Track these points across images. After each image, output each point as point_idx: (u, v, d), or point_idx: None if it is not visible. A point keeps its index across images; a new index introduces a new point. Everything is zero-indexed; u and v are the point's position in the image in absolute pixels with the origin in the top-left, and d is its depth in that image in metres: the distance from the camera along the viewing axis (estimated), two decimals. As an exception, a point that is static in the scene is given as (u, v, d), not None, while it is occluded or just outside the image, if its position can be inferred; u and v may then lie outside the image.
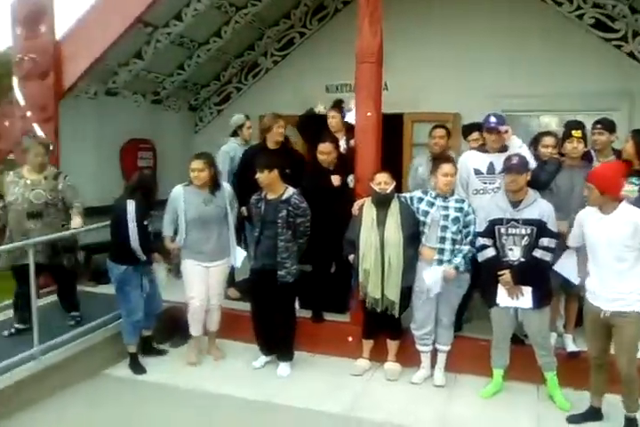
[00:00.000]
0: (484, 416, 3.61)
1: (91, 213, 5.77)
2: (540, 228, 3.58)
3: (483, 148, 4.19)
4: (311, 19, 7.13)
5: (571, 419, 3.50)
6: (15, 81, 5.46)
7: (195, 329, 4.39)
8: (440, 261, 3.83)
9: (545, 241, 3.58)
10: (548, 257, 3.58)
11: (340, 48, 6.02)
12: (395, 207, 3.95)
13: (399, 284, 3.90)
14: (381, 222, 3.93)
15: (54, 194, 4.28)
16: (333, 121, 4.88)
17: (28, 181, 4.24)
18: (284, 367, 4.21)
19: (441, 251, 3.84)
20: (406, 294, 3.97)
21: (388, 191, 3.93)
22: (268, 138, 4.76)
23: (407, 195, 4.09)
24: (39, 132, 5.34)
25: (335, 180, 4.37)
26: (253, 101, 7.33)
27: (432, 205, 3.89)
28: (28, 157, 4.30)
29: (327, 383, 4.06)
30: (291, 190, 4.08)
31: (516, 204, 3.65)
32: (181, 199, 4.23)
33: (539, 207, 3.63)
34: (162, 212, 4.38)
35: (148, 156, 6.78)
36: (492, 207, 3.73)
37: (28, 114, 5.37)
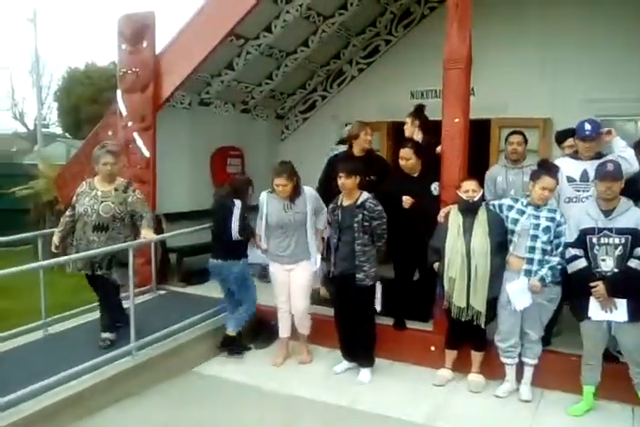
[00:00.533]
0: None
1: (181, 218, 6.13)
2: (635, 237, 3.40)
3: (576, 155, 4.02)
4: (397, 25, 7.15)
5: None
6: (119, 93, 5.87)
7: (282, 331, 4.54)
8: (528, 272, 3.71)
9: None
10: (644, 268, 3.37)
11: (425, 54, 6.01)
12: (482, 215, 3.88)
13: (486, 293, 3.81)
14: (468, 230, 3.86)
15: (122, 208, 4.16)
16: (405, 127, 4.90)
17: (99, 193, 4.15)
18: (365, 373, 4.23)
19: (530, 261, 3.72)
20: (492, 304, 3.87)
21: (476, 199, 3.87)
22: (355, 145, 4.80)
23: (496, 202, 3.99)
24: (139, 141, 5.70)
25: (406, 202, 4.29)
26: (338, 109, 7.45)
27: (522, 213, 3.78)
28: (97, 166, 4.20)
29: (408, 392, 4.03)
30: (365, 195, 4.12)
31: (607, 212, 3.48)
32: (265, 205, 4.41)
33: (634, 215, 3.45)
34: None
35: (236, 162, 7.04)
36: (583, 216, 3.58)
37: (129, 124, 5.76)
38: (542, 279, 3.65)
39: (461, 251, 3.83)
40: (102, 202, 4.13)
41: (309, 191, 4.42)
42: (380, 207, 4.08)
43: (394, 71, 7.12)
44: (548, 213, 3.74)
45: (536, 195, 3.71)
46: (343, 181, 4.07)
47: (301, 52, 6.76)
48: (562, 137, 4.50)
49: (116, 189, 4.20)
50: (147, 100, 5.69)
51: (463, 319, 3.90)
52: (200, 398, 3.96)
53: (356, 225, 4.04)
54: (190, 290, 5.73)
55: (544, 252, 3.70)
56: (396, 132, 7.11)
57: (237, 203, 4.44)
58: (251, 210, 4.59)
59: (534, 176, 3.78)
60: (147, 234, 4.20)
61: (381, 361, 4.43)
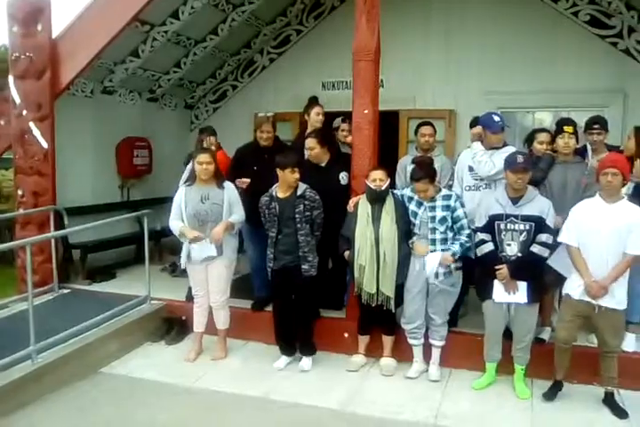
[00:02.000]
0: (479, 409, 3.64)
1: (85, 212, 5.83)
2: (538, 224, 3.61)
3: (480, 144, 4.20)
4: (308, 16, 7.15)
5: (545, 396, 3.72)
6: (11, 79, 5.45)
7: (196, 326, 4.45)
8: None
9: (543, 237, 3.60)
10: (545, 253, 3.61)
11: (337, 45, 6.07)
12: (389, 204, 3.97)
13: (394, 279, 3.92)
14: (376, 219, 3.95)
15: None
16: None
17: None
18: (307, 361, 4.24)
19: (433, 253, 3.86)
20: (401, 289, 3.99)
21: (383, 188, 3.95)
22: (258, 136, 4.76)
23: (399, 192, 4.11)
24: (35, 132, 5.33)
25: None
26: (250, 99, 7.38)
27: (420, 205, 3.91)
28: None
29: (323, 379, 4.08)
30: (303, 186, 4.11)
31: (515, 200, 3.68)
32: (183, 196, 4.26)
33: (538, 204, 3.66)
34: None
35: (144, 154, 6.78)
36: (492, 203, 3.76)
37: (24, 113, 5.37)
38: (454, 254, 3.80)
39: (370, 239, 3.91)
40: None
41: (228, 184, 4.34)
42: (318, 197, 4.09)
43: (305, 62, 7.13)
44: (442, 200, 3.87)
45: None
46: (290, 174, 4.00)
47: (211, 41, 6.60)
48: (473, 123, 4.70)
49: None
50: (43, 87, 5.32)
51: (374, 305, 4.00)
52: (110, 399, 3.80)
53: (298, 216, 4.02)
54: (96, 288, 5.48)
55: (444, 241, 3.85)
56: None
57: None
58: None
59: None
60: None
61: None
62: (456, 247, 3.81)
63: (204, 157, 4.17)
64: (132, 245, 6.39)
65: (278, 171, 4.03)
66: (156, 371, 4.21)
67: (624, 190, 3.71)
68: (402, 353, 4.18)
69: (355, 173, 4.35)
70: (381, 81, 4.75)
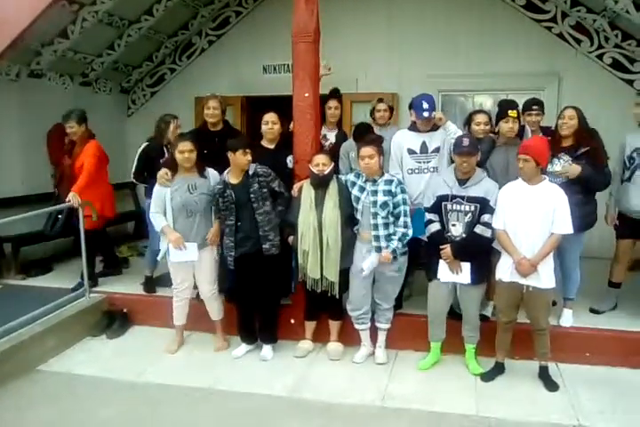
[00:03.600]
0: (425, 389, 3.70)
1: (15, 203, 5.53)
2: (483, 205, 3.67)
3: (414, 126, 4.21)
4: (247, -3, 6.97)
5: (484, 377, 3.82)
6: None
7: (178, 319, 4.33)
8: (378, 248, 3.83)
9: (486, 217, 3.66)
10: (488, 233, 3.67)
11: (278, 27, 5.91)
12: (333, 189, 3.94)
13: (338, 264, 3.90)
14: (320, 204, 3.91)
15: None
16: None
17: None
18: (268, 350, 4.19)
19: (377, 238, 3.83)
20: (345, 274, 3.98)
21: (326, 173, 3.90)
22: (205, 113, 4.61)
23: (343, 177, 4.07)
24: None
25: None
26: (189, 83, 7.16)
27: (363, 189, 3.89)
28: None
29: (270, 367, 4.05)
30: (252, 165, 4.01)
31: (462, 181, 3.71)
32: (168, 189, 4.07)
33: (485, 186, 3.71)
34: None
35: (78, 141, 6.45)
36: (440, 184, 3.79)
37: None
38: (394, 251, 3.80)
39: (313, 224, 3.87)
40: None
41: (212, 172, 4.19)
42: (269, 169, 4.01)
43: (246, 44, 6.97)
44: (384, 185, 3.84)
45: (361, 167, 3.85)
46: (242, 157, 3.89)
47: (146, 22, 6.31)
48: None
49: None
50: (-38, 70, 4.98)
51: (319, 290, 3.98)
52: (50, 397, 3.64)
53: (253, 196, 3.92)
54: (31, 282, 5.25)
55: (386, 226, 3.83)
56: (249, 107, 7.01)
57: None
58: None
59: (357, 152, 3.91)
60: None
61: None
62: (395, 244, 3.80)
63: (184, 145, 4.00)
64: (69, 237, 6.11)
65: (229, 154, 3.92)
66: (97, 366, 4.07)
67: (557, 168, 3.84)
68: (349, 338, 4.20)
69: (297, 157, 4.29)
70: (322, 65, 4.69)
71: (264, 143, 4.39)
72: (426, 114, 3.99)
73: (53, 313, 4.42)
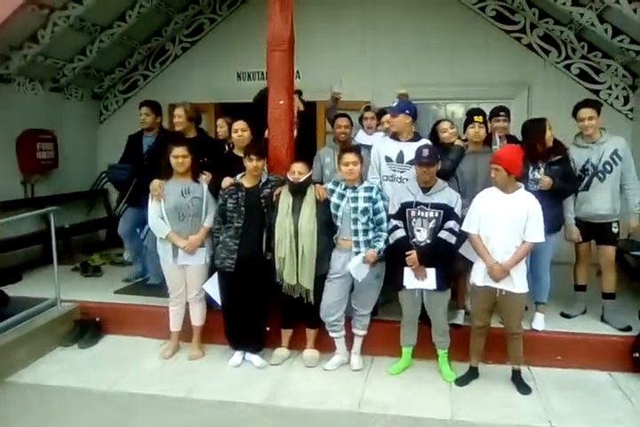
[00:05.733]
0: (401, 395, 3.73)
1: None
2: (447, 212, 3.74)
3: (396, 136, 4.27)
4: (221, 4, 6.98)
5: (458, 381, 3.87)
6: None
7: (173, 325, 4.34)
8: (357, 254, 3.86)
9: (451, 224, 3.73)
10: (452, 239, 3.73)
11: (252, 35, 5.94)
12: (310, 196, 3.95)
13: (313, 272, 3.92)
14: (297, 211, 3.92)
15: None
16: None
17: None
18: (258, 358, 4.17)
19: (357, 244, 3.88)
20: (322, 281, 3.99)
21: (301, 180, 3.92)
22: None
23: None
24: None
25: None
26: (162, 89, 7.09)
27: (343, 197, 3.93)
28: None
29: (246, 374, 4.03)
30: (266, 174, 4.12)
31: (426, 189, 3.78)
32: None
33: (448, 195, 3.79)
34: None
35: (48, 147, 6.34)
36: (404, 192, 3.85)
37: None
38: (379, 251, 3.83)
39: (289, 230, 3.89)
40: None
41: (203, 177, 4.22)
42: (282, 178, 4.07)
43: (219, 51, 6.97)
44: (364, 192, 3.90)
45: (343, 172, 3.89)
46: (255, 164, 3.94)
47: (118, 27, 6.26)
48: (382, 113, 4.78)
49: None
50: None
51: (295, 296, 3.98)
52: (21, 411, 3.54)
53: (263, 201, 3.99)
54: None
55: (366, 232, 3.88)
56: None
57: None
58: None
59: (338, 160, 3.96)
60: None
61: (218, 347, 4.38)
62: (380, 244, 3.84)
63: (178, 151, 4.05)
64: (38, 245, 6.00)
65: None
66: (69, 377, 3.99)
67: (538, 175, 3.98)
68: (325, 345, 4.19)
69: (271, 164, 4.30)
70: (297, 72, 4.73)
71: (236, 151, 4.38)
72: (398, 107, 4.13)
73: (24, 322, 4.32)
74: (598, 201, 4.13)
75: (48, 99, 6.50)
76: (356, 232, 3.87)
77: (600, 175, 4.11)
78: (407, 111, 4.11)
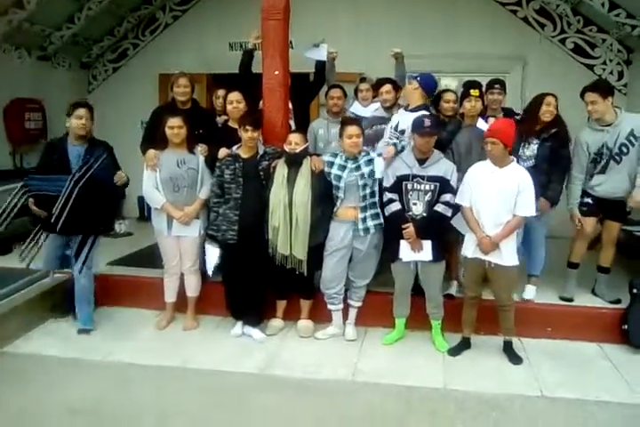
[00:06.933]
0: (394, 364, 3.79)
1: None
2: (442, 184, 3.74)
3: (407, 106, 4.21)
4: (212, -29, 6.80)
5: (450, 352, 3.92)
6: None
7: (168, 296, 4.36)
8: (363, 220, 3.90)
9: (447, 197, 3.74)
10: (448, 212, 3.75)
11: (245, 4, 5.81)
12: (305, 168, 3.94)
13: (306, 243, 3.92)
14: (291, 182, 3.91)
15: None
16: None
17: None
18: (259, 332, 4.16)
19: (364, 209, 3.90)
20: (315, 253, 4.00)
21: (297, 151, 3.90)
22: (175, 91, 4.50)
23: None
24: None
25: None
26: (153, 59, 6.98)
27: (344, 168, 3.91)
28: None
29: (241, 345, 4.06)
30: (262, 146, 4.09)
31: (422, 161, 3.77)
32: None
33: (443, 166, 3.77)
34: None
35: (36, 117, 6.24)
36: (400, 164, 3.83)
37: None
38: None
39: (284, 201, 3.88)
40: None
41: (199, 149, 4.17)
42: (279, 150, 4.05)
43: (211, 20, 6.83)
44: (365, 160, 3.91)
45: (347, 145, 3.87)
46: (250, 134, 3.89)
47: (107, -6, 6.11)
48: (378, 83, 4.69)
49: None
50: None
51: (288, 266, 3.99)
52: (17, 381, 3.53)
53: (262, 173, 3.96)
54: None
55: (373, 195, 3.93)
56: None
57: None
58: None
59: (340, 132, 3.93)
60: None
61: (212, 318, 4.42)
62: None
63: (174, 121, 4.00)
64: (29, 217, 5.92)
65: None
66: (64, 347, 3.99)
67: (528, 152, 3.93)
68: (320, 315, 4.23)
69: (266, 135, 4.26)
70: (290, 42, 4.64)
71: (231, 123, 4.33)
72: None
73: (16, 294, 4.30)
74: (615, 183, 4.04)
75: (35, 67, 6.36)
76: (364, 197, 3.89)
77: (616, 158, 3.98)
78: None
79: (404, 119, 4.00)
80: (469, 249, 3.73)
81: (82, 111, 3.90)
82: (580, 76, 6.00)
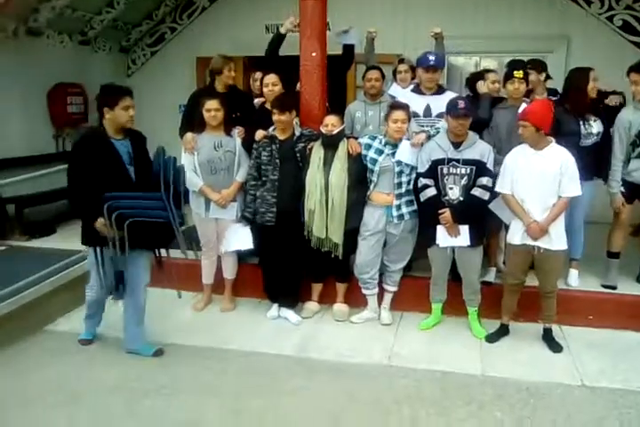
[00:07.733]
0: (431, 349, 3.76)
1: (16, 164, 5.47)
2: (479, 167, 3.65)
3: (418, 89, 4.13)
4: (249, -47, 6.74)
5: (488, 338, 3.86)
6: None
7: (206, 278, 4.44)
8: (398, 207, 3.85)
9: (484, 180, 3.65)
10: (486, 196, 3.66)
11: (282, -15, 5.75)
12: (342, 150, 3.89)
13: (342, 226, 3.90)
14: (328, 164, 3.88)
15: None
16: None
17: None
18: (294, 315, 4.19)
19: (399, 196, 3.85)
20: (351, 237, 3.97)
21: (334, 133, 3.85)
22: (218, 81, 4.50)
23: (359, 140, 4.01)
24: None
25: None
26: (190, 42, 7.00)
27: (381, 152, 3.84)
28: None
29: (277, 327, 4.10)
30: (298, 128, 4.07)
31: (457, 144, 3.67)
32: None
33: (479, 148, 3.68)
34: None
35: (78, 101, 6.35)
36: (434, 148, 3.74)
37: None
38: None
39: (320, 184, 3.86)
40: None
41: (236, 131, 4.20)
42: (315, 132, 4.03)
43: (247, 3, 6.78)
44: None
45: (391, 129, 3.78)
46: (278, 117, 3.88)
47: (146, -21, 6.14)
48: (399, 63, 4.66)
49: None
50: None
51: (323, 250, 3.98)
52: (56, 359, 3.65)
53: (299, 155, 3.95)
54: (36, 243, 5.22)
55: (408, 183, 3.86)
56: (252, 69, 6.86)
57: None
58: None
59: (386, 115, 3.84)
60: None
61: (249, 300, 4.46)
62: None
63: (211, 104, 4.01)
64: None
65: None
66: (104, 326, 4.07)
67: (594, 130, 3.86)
68: (355, 299, 4.23)
69: (303, 117, 4.23)
70: (327, 23, 4.56)
71: (267, 106, 4.30)
72: (432, 62, 3.97)
73: (59, 274, 4.42)
74: None
75: (76, 52, 6.47)
76: (399, 185, 3.84)
77: None
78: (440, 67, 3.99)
79: (434, 103, 3.93)
80: (517, 236, 3.60)
81: (128, 101, 3.27)
82: (626, 55, 5.75)
